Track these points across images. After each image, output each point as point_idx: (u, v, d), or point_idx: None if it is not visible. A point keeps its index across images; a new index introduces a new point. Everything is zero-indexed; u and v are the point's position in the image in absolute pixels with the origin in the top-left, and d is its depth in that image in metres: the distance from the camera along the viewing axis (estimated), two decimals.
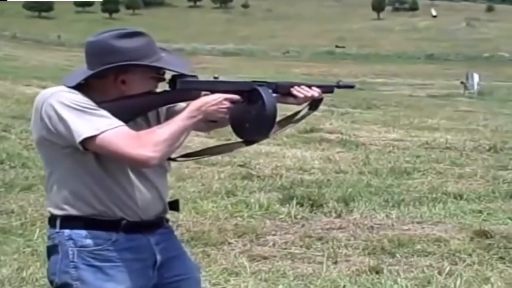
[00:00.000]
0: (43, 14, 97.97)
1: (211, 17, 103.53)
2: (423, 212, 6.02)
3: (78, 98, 2.09)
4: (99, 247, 2.18)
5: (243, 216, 5.78)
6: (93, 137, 2.03)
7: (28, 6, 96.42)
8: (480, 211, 6.07)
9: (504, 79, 32.78)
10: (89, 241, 2.18)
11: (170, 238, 2.41)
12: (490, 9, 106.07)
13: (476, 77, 23.81)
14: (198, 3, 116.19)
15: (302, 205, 6.11)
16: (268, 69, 37.93)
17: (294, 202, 6.13)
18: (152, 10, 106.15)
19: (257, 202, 6.15)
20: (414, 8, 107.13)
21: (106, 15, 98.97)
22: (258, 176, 7.37)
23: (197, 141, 9.15)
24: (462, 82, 24.18)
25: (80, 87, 2.13)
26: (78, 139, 2.03)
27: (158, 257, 2.31)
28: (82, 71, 2.18)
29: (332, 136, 10.64)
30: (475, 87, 23.45)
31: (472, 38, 78.09)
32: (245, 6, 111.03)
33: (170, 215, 2.47)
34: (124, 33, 2.16)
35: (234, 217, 5.76)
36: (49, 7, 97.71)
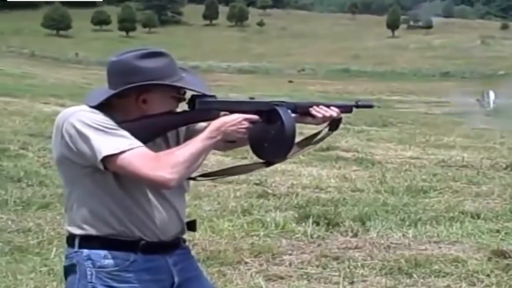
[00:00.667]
0: (61, 32, 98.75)
1: (227, 35, 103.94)
2: (440, 231, 5.97)
3: (99, 117, 2.10)
4: (118, 267, 2.18)
5: (259, 235, 5.76)
6: (113, 156, 2.04)
7: (46, 24, 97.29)
8: (498, 231, 6.01)
9: None
10: (107, 262, 2.18)
11: (187, 259, 2.41)
12: (505, 27, 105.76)
13: (492, 95, 23.72)
14: (213, 22, 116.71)
15: (318, 224, 6.08)
16: (283, 87, 37.96)
17: (310, 221, 6.10)
18: (168, 29, 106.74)
19: (273, 221, 6.13)
20: (428, 26, 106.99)
21: (123, 33, 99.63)
22: (274, 195, 7.36)
23: (213, 159, 9.17)
24: (478, 100, 24.09)
25: (101, 107, 2.15)
26: (99, 157, 2.04)
27: (176, 279, 2.31)
28: (103, 90, 2.20)
29: (348, 154, 10.61)
30: (491, 104, 23.35)
31: (487, 56, 77.84)
32: (260, 24, 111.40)
33: (186, 234, 2.47)
34: (146, 53, 2.18)
35: (250, 236, 5.74)
36: (67, 25, 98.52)
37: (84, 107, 2.16)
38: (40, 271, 4.77)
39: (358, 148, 11.44)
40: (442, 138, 13.62)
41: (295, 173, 8.83)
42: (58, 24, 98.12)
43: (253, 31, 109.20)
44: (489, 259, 5.15)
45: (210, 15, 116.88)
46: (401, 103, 29.50)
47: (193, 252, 4.84)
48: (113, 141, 2.06)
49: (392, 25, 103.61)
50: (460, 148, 12.11)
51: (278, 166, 8.89)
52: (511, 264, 4.98)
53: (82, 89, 23.28)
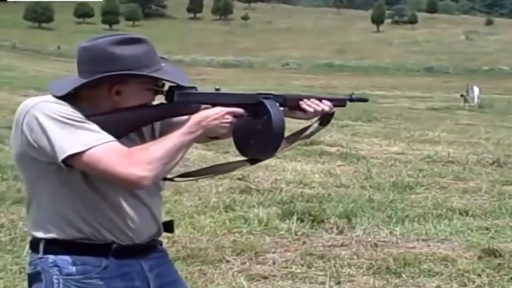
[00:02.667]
0: (43, 25, 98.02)
1: (211, 29, 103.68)
2: (428, 229, 5.81)
3: (65, 109, 1.87)
4: (88, 274, 1.97)
5: (242, 232, 5.57)
6: (79, 154, 1.82)
7: (28, 17, 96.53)
8: (487, 228, 5.86)
9: (504, 92, 32.68)
10: (76, 268, 1.97)
11: (164, 263, 2.20)
12: (489, 23, 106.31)
13: (476, 90, 23.70)
14: (198, 15, 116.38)
15: (302, 221, 5.90)
16: (268, 81, 37.83)
17: (295, 217, 5.92)
18: (152, 22, 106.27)
19: (256, 217, 5.94)
20: (413, 21, 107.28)
21: (106, 26, 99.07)
22: (257, 190, 7.17)
23: (196, 153, 8.97)
24: (462, 95, 24.04)
25: (68, 97, 1.91)
26: (62, 156, 1.82)
27: (152, 285, 2.10)
28: (73, 79, 1.96)
29: (333, 149, 10.44)
30: (476, 100, 23.32)
31: (471, 51, 78.19)
32: (245, 18, 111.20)
33: (163, 236, 2.26)
34: (123, 39, 1.95)
35: (232, 233, 5.55)
36: (49, 17, 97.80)
37: (49, 98, 1.92)
38: (11, 269, 4.56)
39: (342, 143, 11.28)
40: (427, 133, 13.48)
41: (278, 168, 8.64)
42: (40, 17, 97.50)
43: (238, 25, 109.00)
44: (480, 258, 4.99)
45: (194, 9, 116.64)
46: (385, 98, 29.39)
47: (173, 250, 4.64)
48: (80, 136, 1.83)
49: (377, 20, 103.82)
50: (445, 143, 11.98)
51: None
52: (502, 263, 4.82)
53: (58, 79, 22.85)
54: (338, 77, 47.91)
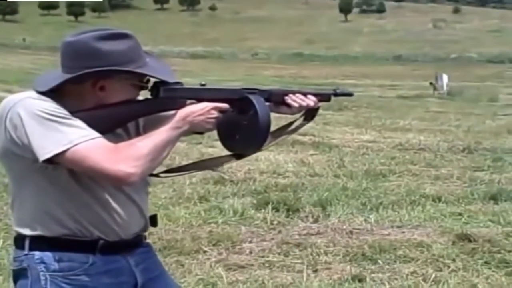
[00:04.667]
0: (8, 17, 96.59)
1: (179, 19, 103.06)
2: (402, 215, 5.88)
3: (49, 105, 1.84)
4: (74, 271, 1.95)
5: (217, 223, 5.58)
6: (64, 151, 1.79)
7: None
8: (460, 214, 5.94)
9: (473, 80, 33.00)
10: (63, 265, 1.94)
11: (150, 257, 2.19)
12: (456, 11, 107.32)
13: (445, 78, 23.85)
14: (165, 6, 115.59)
15: (277, 210, 5.93)
16: (238, 72, 37.75)
17: (270, 207, 5.95)
18: (118, 13, 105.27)
19: (231, 207, 5.95)
20: (381, 10, 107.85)
21: (72, 18, 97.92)
22: (231, 181, 7.17)
23: None
24: (431, 83, 24.20)
25: (52, 93, 1.88)
26: (47, 155, 1.79)
27: (139, 280, 2.09)
28: (56, 75, 1.92)
29: (305, 138, 10.46)
30: (445, 87, 23.49)
31: (439, 39, 78.79)
32: (212, 8, 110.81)
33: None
34: (108, 34, 1.92)
35: (208, 224, 5.55)
36: (13, 10, 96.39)
37: (32, 94, 1.88)
38: None
39: (314, 132, 11.30)
40: (398, 122, 13.59)
41: (251, 158, 8.58)
42: (4, 9, 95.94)
43: (205, 16, 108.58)
44: (454, 243, 5.06)
45: (161, 0, 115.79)
46: (355, 86, 29.43)
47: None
48: (64, 133, 1.80)
49: (345, 9, 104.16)
50: (416, 131, 12.09)
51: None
52: (476, 248, 4.90)
53: (30, 75, 22.64)
54: (308, 67, 47.97)
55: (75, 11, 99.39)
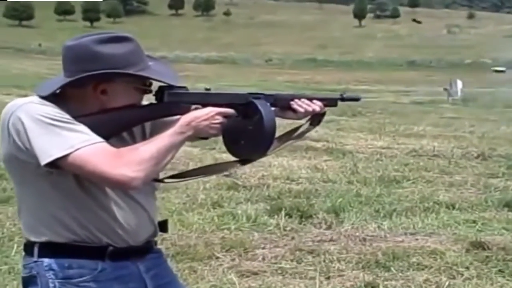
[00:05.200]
0: (24, 22, 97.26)
1: (193, 25, 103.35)
2: (415, 222, 5.84)
3: (51, 110, 1.83)
4: (84, 278, 1.93)
5: (230, 229, 5.57)
6: (66, 156, 1.78)
7: (9, 15, 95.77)
8: (474, 221, 5.89)
9: (487, 86, 32.85)
10: (72, 272, 1.93)
11: (160, 263, 2.17)
12: (471, 16, 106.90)
13: (459, 84, 23.81)
14: (179, 11, 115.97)
15: (291, 216, 5.91)
16: (251, 77, 37.78)
17: (283, 213, 5.92)
18: (133, 18, 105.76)
19: (244, 213, 5.94)
20: (395, 15, 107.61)
21: (87, 23, 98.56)
22: (244, 187, 7.16)
23: (181, 150, 8.92)
24: (445, 89, 24.13)
25: (54, 98, 1.87)
26: (48, 159, 1.77)
27: (149, 286, 2.07)
28: (58, 79, 1.93)
29: (318, 144, 10.45)
30: (459, 93, 23.42)
31: (453, 45, 78.59)
32: (226, 14, 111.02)
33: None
34: (108, 37, 1.91)
35: (221, 230, 5.54)
36: (30, 15, 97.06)
37: (34, 99, 1.88)
38: (0, 269, 4.51)
39: (328, 138, 11.29)
40: (412, 128, 13.55)
41: (265, 164, 8.62)
42: (20, 15, 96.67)
43: (220, 21, 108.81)
44: (468, 250, 5.01)
45: (176, 5, 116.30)
46: (368, 92, 29.43)
47: (162, 248, 4.61)
48: (66, 138, 1.79)
49: (359, 15, 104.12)
50: (430, 137, 12.04)
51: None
52: (490, 256, 4.85)
53: (45, 80, 22.71)
54: (321, 72, 47.98)
55: (91, 16, 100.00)
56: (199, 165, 7.65)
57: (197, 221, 5.73)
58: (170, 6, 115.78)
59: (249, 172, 7.90)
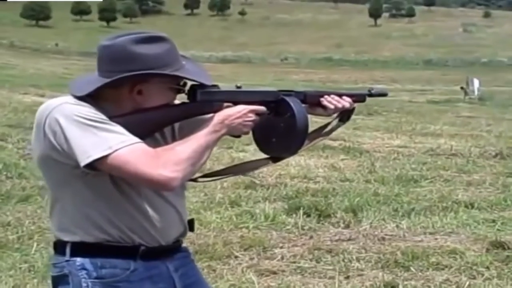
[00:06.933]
0: (41, 22, 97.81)
1: (209, 24, 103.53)
2: (434, 221, 5.81)
3: (87, 111, 1.82)
4: (117, 277, 1.94)
5: (249, 228, 5.57)
6: (105, 157, 1.77)
7: (25, 15, 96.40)
8: (494, 221, 5.86)
9: (504, 84, 32.64)
10: (105, 272, 1.93)
11: (188, 263, 2.17)
12: (487, 15, 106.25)
13: (476, 83, 23.64)
14: (195, 11, 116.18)
15: (309, 215, 5.90)
16: (267, 76, 37.78)
17: (301, 212, 5.92)
18: (149, 18, 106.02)
19: (262, 212, 5.94)
20: (411, 14, 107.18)
21: (104, 23, 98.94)
22: (262, 185, 7.16)
23: None
24: (462, 88, 23.99)
25: (89, 98, 1.87)
26: (87, 160, 1.77)
27: (178, 285, 2.07)
28: (93, 78, 1.91)
29: (336, 143, 10.42)
30: (476, 92, 23.27)
31: (469, 43, 78.20)
32: (242, 13, 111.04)
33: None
34: (145, 37, 1.90)
35: (239, 229, 5.55)
36: (46, 15, 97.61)
37: (69, 99, 1.87)
38: (20, 268, 4.54)
39: (345, 136, 11.25)
40: (429, 126, 13.50)
41: (282, 163, 8.55)
42: (37, 15, 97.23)
43: (235, 20, 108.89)
44: (487, 250, 4.99)
45: (191, 5, 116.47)
46: None
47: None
48: (104, 139, 1.79)
49: (375, 14, 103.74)
50: (447, 136, 11.99)
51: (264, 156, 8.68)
52: (510, 255, 4.82)
53: (62, 79, 22.92)
54: (337, 72, 47.87)
55: (107, 16, 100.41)
56: (216, 164, 7.72)
57: (215, 220, 5.74)
58: (186, 6, 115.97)
59: (267, 171, 7.88)
